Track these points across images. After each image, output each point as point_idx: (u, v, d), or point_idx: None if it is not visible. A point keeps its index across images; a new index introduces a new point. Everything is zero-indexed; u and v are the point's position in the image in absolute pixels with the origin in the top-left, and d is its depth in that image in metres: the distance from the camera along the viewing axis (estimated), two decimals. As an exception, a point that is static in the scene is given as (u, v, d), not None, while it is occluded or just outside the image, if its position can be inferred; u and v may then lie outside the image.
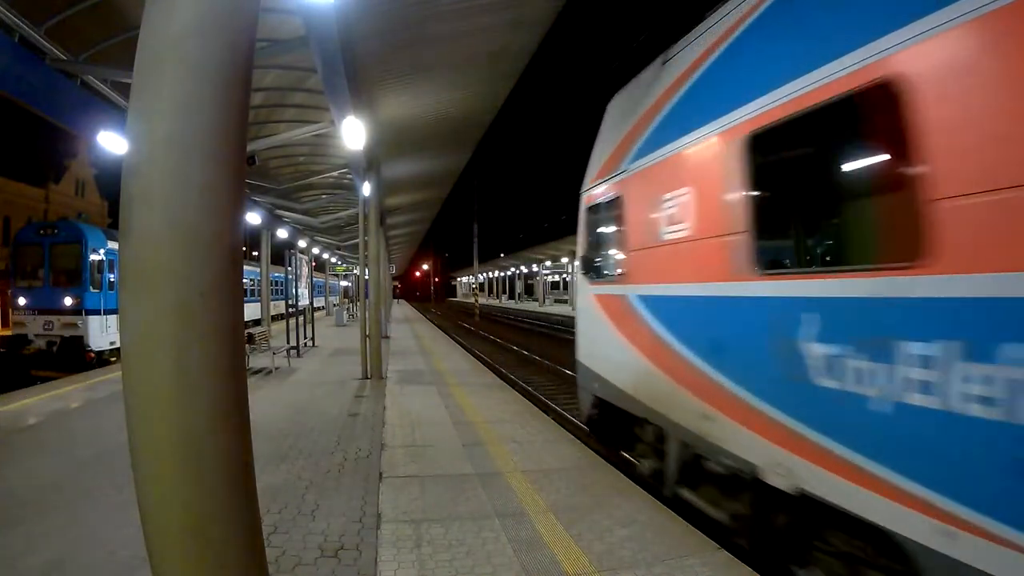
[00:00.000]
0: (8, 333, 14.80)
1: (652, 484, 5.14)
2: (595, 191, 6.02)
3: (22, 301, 13.68)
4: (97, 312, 13.69)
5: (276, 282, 26.72)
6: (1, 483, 4.98)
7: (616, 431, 6.11)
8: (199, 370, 1.82)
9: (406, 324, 29.33)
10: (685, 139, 4.16)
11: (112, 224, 28.22)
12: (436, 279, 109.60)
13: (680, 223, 4.18)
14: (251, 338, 11.97)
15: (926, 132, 2.28)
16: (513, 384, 12.54)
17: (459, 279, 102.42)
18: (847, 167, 3.16)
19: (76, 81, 7.14)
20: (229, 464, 1.91)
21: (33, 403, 8.51)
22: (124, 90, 7.47)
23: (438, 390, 9.77)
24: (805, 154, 3.28)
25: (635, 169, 5.02)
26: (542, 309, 42.65)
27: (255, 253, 30.13)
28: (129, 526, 3.97)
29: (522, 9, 6.83)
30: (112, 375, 11.30)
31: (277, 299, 27.08)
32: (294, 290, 15.34)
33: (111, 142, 7.67)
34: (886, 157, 2.81)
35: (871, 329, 2.56)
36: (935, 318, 2.27)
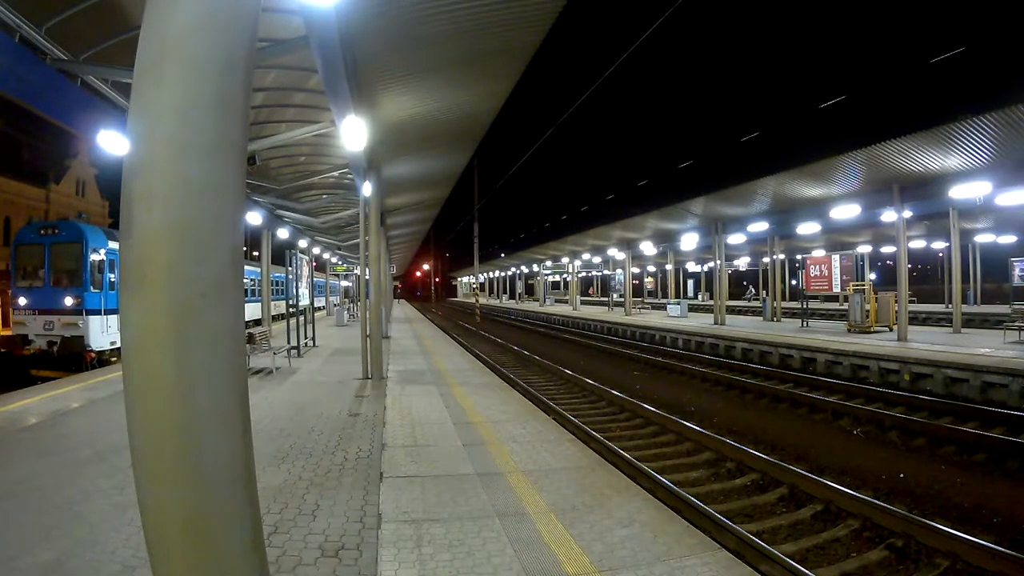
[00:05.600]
0: (8, 333, 14.79)
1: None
2: None
3: (22, 301, 13.67)
4: (98, 312, 13.69)
5: (276, 282, 26.70)
6: (2, 483, 4.98)
7: None
8: (199, 370, 1.82)
9: (407, 324, 29.33)
10: None
11: (113, 224, 28.22)
12: (437, 279, 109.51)
13: None
14: (251, 338, 11.97)
15: None
16: (514, 384, 12.53)
17: (460, 279, 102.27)
18: None
19: (76, 81, 7.13)
20: (229, 464, 1.90)
21: (33, 403, 8.51)
22: (124, 90, 7.46)
23: (439, 390, 9.77)
24: None
25: None
26: (543, 309, 42.63)
27: (256, 253, 30.11)
28: (129, 526, 3.98)
29: (524, 7, 6.82)
30: (112, 375, 11.31)
31: (277, 299, 27.06)
32: (294, 290, 15.33)
33: (111, 142, 7.65)
34: None
35: None
36: None
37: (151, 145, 1.84)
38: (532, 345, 22.54)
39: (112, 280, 14.10)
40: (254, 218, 15.79)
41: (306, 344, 15.88)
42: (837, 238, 30.16)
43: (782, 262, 29.23)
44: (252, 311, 22.81)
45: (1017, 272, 20.25)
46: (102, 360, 13.68)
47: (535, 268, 53.27)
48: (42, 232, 14.24)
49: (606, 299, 45.28)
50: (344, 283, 47.84)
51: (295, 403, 8.59)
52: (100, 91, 7.44)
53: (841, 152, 14.45)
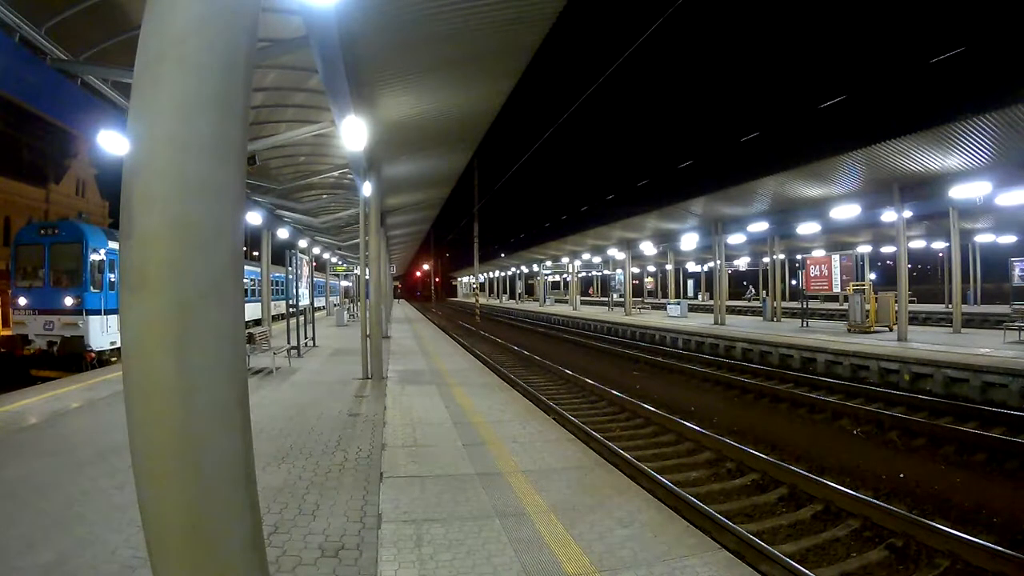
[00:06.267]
0: (8, 333, 14.79)
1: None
2: None
3: (23, 301, 13.67)
4: (98, 312, 13.69)
5: (276, 282, 26.71)
6: (2, 483, 4.98)
7: None
8: (199, 370, 1.81)
9: (407, 324, 29.32)
10: None
11: (113, 224, 28.21)
12: (437, 279, 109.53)
13: None
14: (251, 338, 11.96)
15: None
16: (514, 384, 12.53)
17: (460, 279, 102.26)
18: None
19: (76, 81, 7.12)
20: (229, 464, 1.90)
21: (33, 403, 8.51)
22: (125, 90, 7.46)
23: (439, 390, 9.77)
24: None
25: None
26: (543, 309, 42.62)
27: (255, 253, 30.12)
28: (129, 526, 3.98)
29: (524, 7, 6.82)
30: (112, 375, 11.31)
31: (278, 299, 27.06)
32: (294, 290, 15.33)
33: (112, 142, 7.65)
34: None
35: None
36: None
37: (151, 145, 1.84)
38: (532, 345, 22.53)
39: (112, 280, 14.10)
40: (254, 218, 15.79)
41: (306, 344, 15.88)
42: (837, 238, 30.16)
43: (782, 262, 29.23)
44: (252, 311, 22.80)
45: (1017, 272, 20.23)
46: (102, 360, 13.68)
47: (535, 268, 53.27)
48: (42, 232, 14.24)
49: (606, 299, 45.29)
50: (344, 283, 47.85)
51: (295, 403, 8.59)
52: (100, 91, 7.44)
53: (841, 152, 14.45)
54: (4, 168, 31.69)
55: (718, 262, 24.71)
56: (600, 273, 59.37)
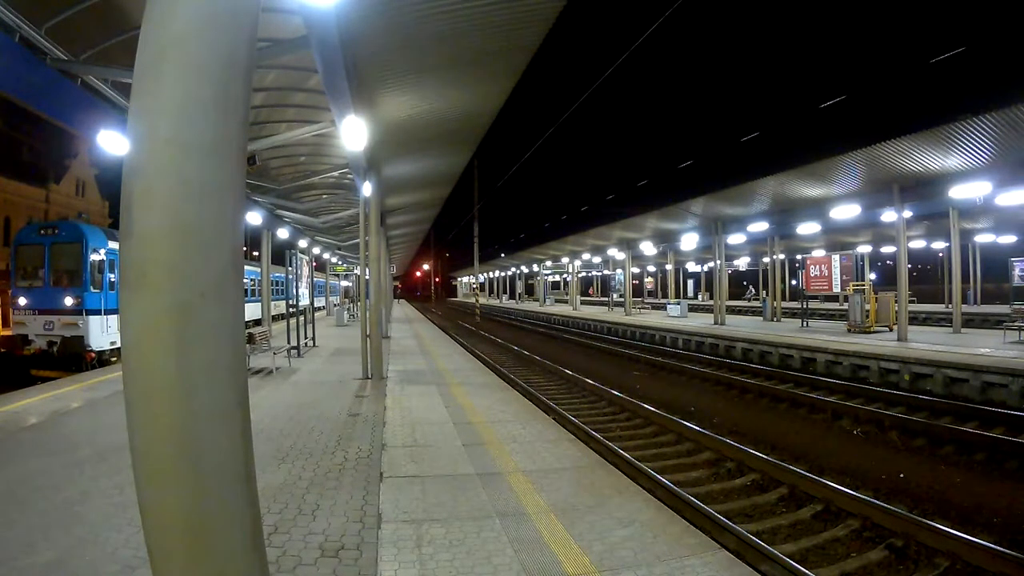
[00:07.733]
0: (8, 333, 14.79)
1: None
2: None
3: (23, 301, 13.66)
4: (98, 312, 13.68)
5: (276, 282, 26.70)
6: (2, 483, 4.98)
7: None
8: (199, 370, 1.81)
9: (407, 324, 29.32)
10: None
11: (113, 224, 28.22)
12: (437, 279, 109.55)
13: None
14: (251, 338, 11.96)
15: None
16: (514, 384, 12.53)
17: (460, 279, 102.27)
18: None
19: (77, 81, 7.13)
20: (229, 464, 1.90)
21: (33, 403, 8.51)
22: (124, 90, 7.46)
23: (439, 390, 9.77)
24: None
25: None
26: (543, 309, 42.62)
27: (256, 253, 30.12)
28: (129, 526, 3.98)
29: (524, 7, 6.82)
30: (112, 375, 11.31)
31: (277, 299, 27.06)
32: (294, 290, 15.34)
33: (111, 142, 7.65)
34: None
35: None
36: None
37: (151, 145, 1.84)
38: (532, 345, 22.53)
39: (112, 280, 14.10)
40: (254, 218, 15.79)
41: (306, 344, 15.88)
42: (837, 238, 30.15)
43: (782, 262, 29.24)
44: (252, 311, 22.80)
45: (1017, 272, 20.22)
46: (102, 360, 13.67)
47: (535, 268, 53.25)
48: (42, 232, 14.24)
49: (606, 299, 45.30)
50: (344, 283, 47.85)
51: (295, 403, 8.59)
52: (100, 91, 7.44)
53: (841, 152, 14.46)
54: (4, 168, 31.70)
55: (718, 262, 24.71)
56: (600, 273, 59.38)
